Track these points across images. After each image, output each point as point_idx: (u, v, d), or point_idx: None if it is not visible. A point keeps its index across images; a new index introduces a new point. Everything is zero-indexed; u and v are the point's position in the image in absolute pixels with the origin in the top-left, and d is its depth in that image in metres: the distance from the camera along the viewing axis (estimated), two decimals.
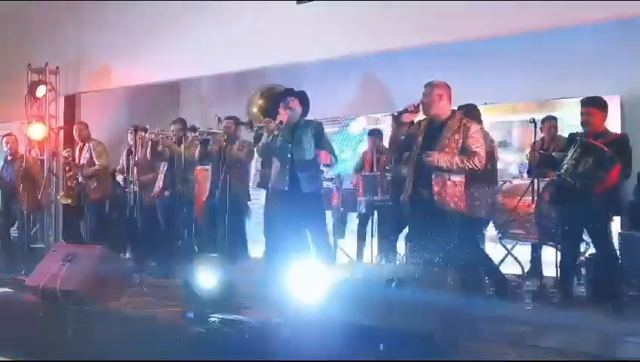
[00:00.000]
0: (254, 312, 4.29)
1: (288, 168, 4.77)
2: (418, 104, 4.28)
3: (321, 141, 4.99)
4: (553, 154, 4.82)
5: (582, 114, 4.58)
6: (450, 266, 3.81)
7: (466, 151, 4.14)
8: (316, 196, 4.95)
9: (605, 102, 4.63)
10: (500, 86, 6.99)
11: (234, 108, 8.53)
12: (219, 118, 6.28)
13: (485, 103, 7.08)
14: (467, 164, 4.12)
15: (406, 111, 4.28)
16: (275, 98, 5.02)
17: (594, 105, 4.57)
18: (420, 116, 4.42)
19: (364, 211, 6.50)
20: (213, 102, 9.42)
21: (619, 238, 5.00)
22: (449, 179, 4.17)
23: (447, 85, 4.33)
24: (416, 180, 4.25)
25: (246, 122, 5.86)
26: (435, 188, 4.14)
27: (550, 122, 5.85)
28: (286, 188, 4.75)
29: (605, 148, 4.32)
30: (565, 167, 4.44)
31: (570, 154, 4.44)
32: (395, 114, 4.33)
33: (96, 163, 6.81)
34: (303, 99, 5.05)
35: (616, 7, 4.66)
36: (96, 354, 3.99)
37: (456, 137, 4.18)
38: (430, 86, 4.31)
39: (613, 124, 6.14)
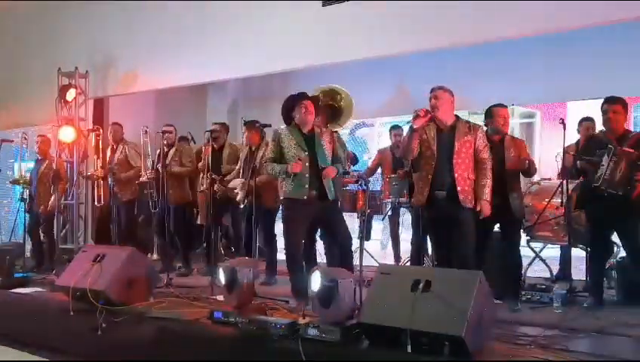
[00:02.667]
0: (281, 313, 4.32)
1: (308, 176, 4.73)
2: (427, 109, 4.36)
3: (338, 145, 5.00)
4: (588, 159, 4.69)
5: (605, 112, 4.50)
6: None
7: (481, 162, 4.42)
8: (337, 202, 5.00)
9: (626, 102, 4.58)
10: (526, 87, 6.93)
11: (260, 111, 8.62)
12: (244, 121, 6.31)
13: (512, 104, 7.06)
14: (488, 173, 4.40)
15: (417, 116, 4.30)
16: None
17: (619, 103, 4.50)
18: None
19: (390, 213, 6.49)
20: (240, 104, 9.51)
21: None
22: (468, 178, 4.36)
23: (451, 90, 4.47)
24: (433, 183, 4.36)
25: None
26: (458, 188, 4.29)
27: (588, 123, 5.72)
28: (305, 197, 4.72)
29: (632, 151, 4.28)
30: (601, 177, 4.36)
31: (605, 164, 4.35)
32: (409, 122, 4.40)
33: (134, 165, 6.92)
34: (317, 103, 5.01)
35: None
36: (125, 354, 4.05)
37: (468, 138, 4.39)
38: (440, 90, 4.40)
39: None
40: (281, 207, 5.55)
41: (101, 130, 7.43)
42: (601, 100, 4.64)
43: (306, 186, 4.72)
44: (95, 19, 7.99)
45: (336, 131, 5.27)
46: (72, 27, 8.23)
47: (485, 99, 6.21)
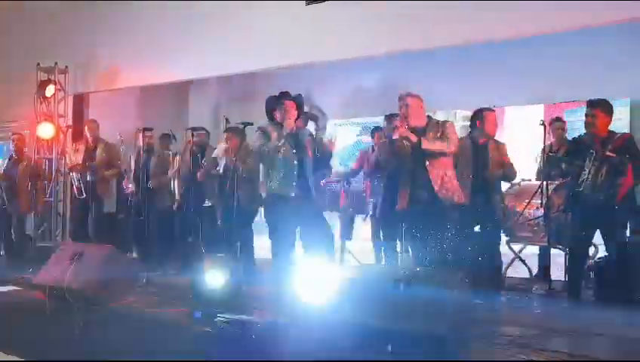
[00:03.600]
0: (261, 312, 4.30)
1: (296, 174, 4.72)
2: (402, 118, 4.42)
3: (321, 145, 4.97)
4: (561, 159, 4.77)
5: (586, 115, 4.54)
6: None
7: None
8: (315, 200, 5.01)
9: (612, 106, 4.58)
10: (509, 88, 7.00)
11: (242, 110, 8.58)
12: (226, 120, 6.28)
13: (494, 106, 7.10)
14: (443, 145, 4.37)
15: (395, 127, 4.43)
16: (272, 102, 4.94)
17: (599, 107, 4.51)
18: None
19: (371, 213, 6.49)
20: (222, 103, 9.45)
21: (627, 242, 4.96)
22: (445, 175, 4.38)
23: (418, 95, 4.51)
24: (413, 186, 4.40)
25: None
26: (435, 188, 4.33)
27: (557, 124, 5.79)
28: (292, 194, 4.72)
29: (611, 155, 4.32)
30: (584, 182, 4.40)
31: (587, 169, 4.40)
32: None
33: (115, 165, 6.88)
34: (300, 103, 4.99)
35: (627, 9, 4.66)
36: (103, 354, 3.99)
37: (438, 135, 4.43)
38: (410, 97, 4.43)
39: (622, 126, 6.17)
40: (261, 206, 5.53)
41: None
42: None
43: (293, 184, 4.71)
44: (76, 13, 7.89)
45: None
46: (52, 21, 8.11)
47: (467, 100, 6.30)
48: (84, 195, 6.86)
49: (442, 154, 4.39)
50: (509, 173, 5.06)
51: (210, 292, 4.26)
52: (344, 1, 5.96)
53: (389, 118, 5.55)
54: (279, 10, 6.36)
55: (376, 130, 6.84)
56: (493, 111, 5.04)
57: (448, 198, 4.39)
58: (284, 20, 6.34)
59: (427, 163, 4.37)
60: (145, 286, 5.31)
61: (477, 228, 5.02)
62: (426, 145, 4.32)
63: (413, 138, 4.32)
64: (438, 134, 4.42)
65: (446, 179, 4.40)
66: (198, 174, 6.15)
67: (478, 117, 4.97)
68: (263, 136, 4.84)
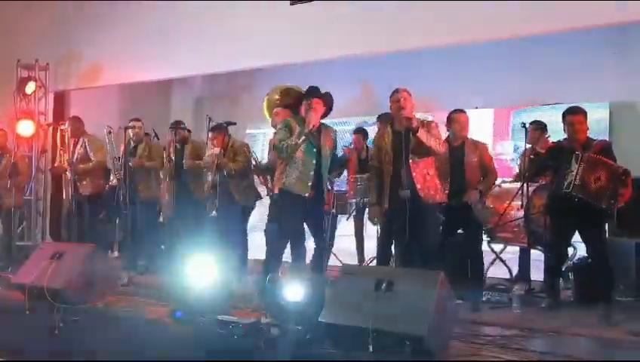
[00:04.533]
0: (244, 312, 4.29)
1: (313, 174, 4.62)
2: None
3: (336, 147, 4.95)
4: (544, 162, 4.83)
5: (570, 123, 4.60)
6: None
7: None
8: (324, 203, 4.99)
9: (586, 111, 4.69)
10: (491, 90, 7.05)
11: (225, 108, 8.57)
12: (209, 119, 6.24)
13: (476, 107, 7.17)
14: (436, 141, 4.36)
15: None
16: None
17: (582, 114, 4.62)
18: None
19: (355, 213, 6.51)
20: (205, 101, 9.42)
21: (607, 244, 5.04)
22: (428, 174, 4.40)
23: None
24: (394, 185, 4.39)
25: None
26: (418, 186, 4.34)
27: (534, 125, 5.82)
28: (306, 194, 4.60)
29: (616, 165, 4.37)
30: (572, 183, 4.42)
31: (574, 170, 4.44)
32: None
33: (93, 159, 6.67)
34: (328, 100, 4.81)
35: (606, 14, 4.76)
36: (84, 354, 3.97)
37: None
38: (405, 91, 4.42)
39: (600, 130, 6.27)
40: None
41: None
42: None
43: (309, 184, 4.61)
44: (57, 9, 7.81)
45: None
46: (33, 17, 8.01)
47: (451, 101, 6.34)
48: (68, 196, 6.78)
49: (430, 152, 4.37)
50: (488, 175, 5.10)
51: (194, 291, 4.24)
52: (328, 1, 5.98)
53: (382, 116, 5.58)
54: (263, 10, 6.36)
55: (358, 131, 6.89)
56: (463, 112, 5.11)
57: (430, 197, 4.41)
58: (268, 20, 6.34)
59: (410, 161, 4.37)
60: (126, 285, 5.27)
61: (458, 230, 5.09)
62: (422, 136, 4.25)
63: (415, 122, 4.24)
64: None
65: (428, 178, 4.42)
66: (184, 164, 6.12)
67: (449, 119, 5.05)
68: (285, 130, 4.67)
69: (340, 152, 5.82)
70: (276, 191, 4.86)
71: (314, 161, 4.63)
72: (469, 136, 5.17)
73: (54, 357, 4.01)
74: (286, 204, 4.70)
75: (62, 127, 6.95)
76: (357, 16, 5.81)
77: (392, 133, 4.50)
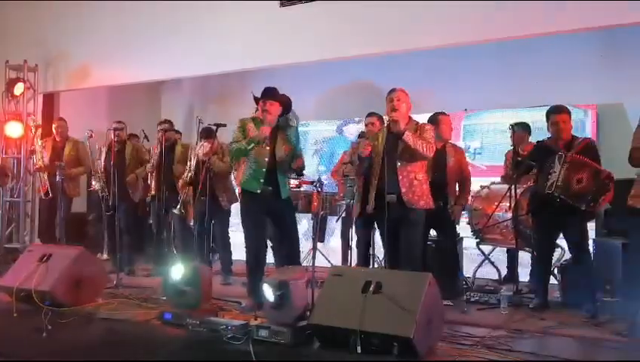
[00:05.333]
0: (232, 314, 4.29)
1: (265, 171, 4.69)
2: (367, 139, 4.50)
3: (298, 144, 4.95)
4: (527, 162, 4.86)
5: (554, 123, 4.64)
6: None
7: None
8: (290, 201, 5.00)
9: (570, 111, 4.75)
10: (480, 93, 7.09)
11: (216, 110, 8.55)
12: (199, 120, 6.23)
13: (465, 109, 7.22)
14: (423, 145, 4.27)
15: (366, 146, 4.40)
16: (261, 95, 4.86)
17: (566, 113, 4.66)
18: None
19: (344, 215, 6.52)
20: (195, 103, 9.40)
21: (593, 245, 5.09)
22: (416, 178, 4.36)
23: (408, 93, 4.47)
24: (380, 188, 4.35)
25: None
26: (403, 190, 4.31)
27: (516, 127, 5.83)
28: (258, 191, 4.69)
29: (601, 168, 4.40)
30: (554, 184, 4.46)
31: (557, 171, 4.47)
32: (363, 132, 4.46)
33: (83, 163, 6.77)
34: (283, 102, 4.87)
35: (592, 17, 4.81)
36: (72, 356, 3.95)
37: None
38: (401, 91, 4.42)
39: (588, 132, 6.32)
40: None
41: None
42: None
43: (261, 180, 4.67)
44: (46, 11, 7.76)
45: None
46: (22, 18, 7.96)
47: (440, 103, 6.37)
48: (51, 195, 6.73)
49: (416, 156, 4.32)
50: (464, 182, 5.23)
51: (182, 293, 4.24)
52: (318, 2, 6.00)
53: (370, 115, 5.61)
54: (253, 11, 6.36)
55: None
56: (447, 115, 5.20)
57: (414, 202, 4.33)
58: (258, 21, 6.34)
59: (398, 164, 4.35)
60: (115, 287, 5.25)
61: (433, 232, 5.19)
62: (408, 139, 4.22)
63: (401, 125, 4.25)
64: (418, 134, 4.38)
65: (416, 183, 4.36)
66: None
67: (433, 121, 5.05)
68: (239, 130, 4.77)
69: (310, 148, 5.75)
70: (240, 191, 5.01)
71: (266, 159, 4.70)
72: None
73: (42, 359, 4.00)
74: (246, 201, 4.84)
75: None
76: (348, 18, 5.82)
77: (386, 133, 4.47)
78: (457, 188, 5.25)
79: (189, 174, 5.89)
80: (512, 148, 5.28)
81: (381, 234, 4.54)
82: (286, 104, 4.85)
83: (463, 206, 5.25)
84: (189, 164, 5.98)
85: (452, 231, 5.18)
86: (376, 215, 4.42)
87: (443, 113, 5.22)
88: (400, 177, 4.33)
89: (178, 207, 5.97)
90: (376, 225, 4.82)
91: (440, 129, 5.03)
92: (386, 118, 4.68)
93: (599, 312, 4.41)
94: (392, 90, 4.44)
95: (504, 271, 5.80)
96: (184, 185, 5.99)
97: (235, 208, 6.18)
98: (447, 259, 5.05)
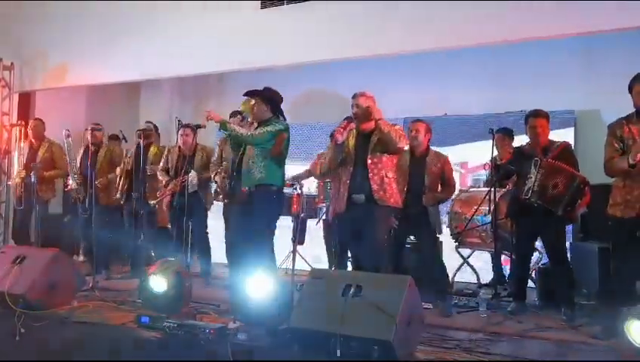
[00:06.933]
0: (210, 317, 4.25)
1: (231, 171, 4.75)
2: (348, 120, 4.35)
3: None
4: (507, 168, 4.89)
5: (532, 127, 4.67)
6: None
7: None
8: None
9: (548, 115, 4.77)
10: (460, 97, 7.14)
11: (194, 111, 8.48)
12: (179, 121, 6.19)
13: (445, 114, 7.25)
14: (397, 133, 4.23)
15: (339, 129, 4.31)
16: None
17: (544, 117, 4.69)
18: None
19: (324, 218, 6.51)
20: (174, 104, 9.32)
21: (570, 248, 5.14)
22: (386, 176, 4.32)
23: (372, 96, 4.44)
24: (351, 187, 4.33)
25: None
26: (374, 187, 4.27)
27: (500, 135, 5.81)
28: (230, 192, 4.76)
29: (576, 173, 4.44)
30: (530, 189, 4.48)
31: (533, 177, 4.50)
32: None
33: (57, 166, 6.65)
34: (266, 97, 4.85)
35: (572, 24, 4.87)
36: (46, 360, 3.88)
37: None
38: (362, 96, 4.38)
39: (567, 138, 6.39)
40: None
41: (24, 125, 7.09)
42: None
43: (227, 181, 4.77)
44: (23, 8, 7.64)
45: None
46: None
47: (419, 108, 6.40)
48: (22, 206, 6.62)
49: (390, 147, 4.27)
50: (445, 187, 5.11)
51: (159, 296, 4.19)
52: (299, 4, 5.99)
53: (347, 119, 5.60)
54: (233, 13, 6.32)
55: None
56: (420, 121, 5.13)
57: (385, 200, 4.31)
58: (238, 23, 6.31)
59: (369, 161, 4.31)
60: (90, 289, 5.17)
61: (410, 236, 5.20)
62: (383, 125, 4.19)
63: (376, 114, 4.23)
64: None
65: (386, 181, 4.31)
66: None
67: (412, 128, 5.07)
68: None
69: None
70: None
71: (235, 160, 4.72)
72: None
73: None
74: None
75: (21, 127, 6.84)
76: (329, 20, 5.82)
77: (356, 133, 4.45)
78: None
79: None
80: (496, 153, 5.33)
81: (349, 235, 4.48)
82: (271, 99, 4.83)
83: (437, 198, 5.05)
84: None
85: (430, 234, 5.06)
86: (349, 214, 4.37)
87: (418, 120, 5.17)
88: (370, 174, 4.29)
89: (153, 202, 5.95)
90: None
91: (419, 136, 5.01)
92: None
93: (576, 315, 4.46)
94: (354, 95, 4.42)
95: (482, 275, 5.83)
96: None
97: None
98: (426, 262, 5.04)
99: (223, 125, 4.56)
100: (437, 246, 5.30)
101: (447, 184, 5.11)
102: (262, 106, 4.81)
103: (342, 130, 4.29)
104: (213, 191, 6.13)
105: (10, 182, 7.14)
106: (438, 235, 5.23)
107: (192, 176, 5.79)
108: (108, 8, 7.03)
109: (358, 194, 4.31)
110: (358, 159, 4.36)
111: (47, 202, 6.73)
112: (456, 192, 5.66)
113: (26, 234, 6.72)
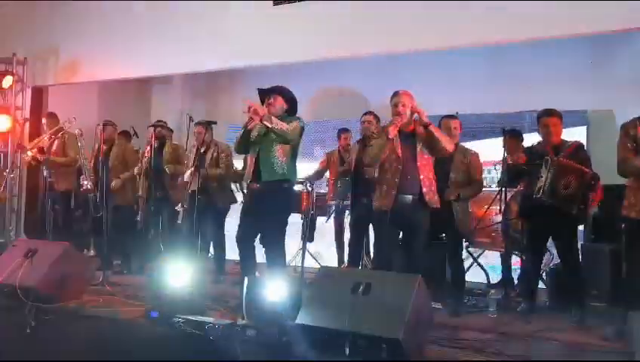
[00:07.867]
0: (219, 313, 4.26)
1: (254, 164, 4.68)
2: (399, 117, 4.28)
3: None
4: (520, 168, 4.84)
5: (544, 125, 4.62)
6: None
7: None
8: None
9: (561, 114, 4.71)
10: (471, 96, 7.11)
11: (206, 107, 8.50)
12: (190, 118, 6.20)
13: (457, 113, 7.21)
14: (447, 137, 4.34)
15: (393, 124, 4.22)
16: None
17: (556, 116, 4.63)
18: None
19: (334, 216, 6.51)
20: (185, 100, 9.35)
21: (581, 249, 5.10)
22: (428, 178, 4.32)
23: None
24: (400, 186, 4.28)
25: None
26: (424, 190, 4.27)
27: (510, 133, 5.81)
28: (249, 182, 4.72)
29: (585, 170, 4.38)
30: (541, 189, 4.43)
31: (544, 176, 4.48)
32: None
33: (69, 154, 6.60)
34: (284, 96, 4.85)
35: (582, 24, 4.84)
36: (55, 354, 3.90)
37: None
38: (405, 95, 4.33)
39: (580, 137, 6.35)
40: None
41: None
42: None
43: (250, 174, 4.70)
44: (37, 4, 7.69)
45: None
46: (11, 10, 7.88)
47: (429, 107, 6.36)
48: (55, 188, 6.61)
49: (437, 151, 4.29)
50: (473, 184, 5.01)
51: (169, 292, 4.20)
52: (311, 2, 5.98)
53: (367, 114, 5.59)
54: (246, 10, 6.33)
55: (343, 131, 6.86)
56: (455, 118, 5.06)
57: (433, 202, 4.31)
58: (250, 20, 6.32)
59: (418, 163, 4.29)
60: (101, 284, 5.20)
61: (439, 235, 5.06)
62: (434, 130, 4.20)
63: (425, 118, 4.20)
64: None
65: (433, 182, 4.34)
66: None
67: (441, 124, 5.01)
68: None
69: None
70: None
71: (255, 155, 4.68)
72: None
73: (26, 356, 3.95)
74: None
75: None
76: (341, 17, 5.81)
77: (398, 133, 4.33)
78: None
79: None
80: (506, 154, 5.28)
81: (390, 234, 4.44)
82: (292, 99, 4.85)
83: (461, 194, 4.90)
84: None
85: (454, 234, 4.95)
86: (395, 213, 4.29)
87: (451, 116, 5.09)
88: (422, 176, 4.29)
89: (181, 203, 5.98)
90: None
91: (448, 132, 4.87)
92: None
93: (587, 317, 4.42)
94: (395, 94, 4.34)
95: (492, 275, 5.81)
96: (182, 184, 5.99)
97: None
98: (449, 262, 4.98)
99: (267, 118, 4.51)
100: (462, 246, 5.17)
101: (474, 181, 4.99)
102: (283, 105, 4.80)
103: (395, 127, 4.21)
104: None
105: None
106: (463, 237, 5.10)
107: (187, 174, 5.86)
108: (119, 5, 7.06)
109: (407, 195, 4.28)
110: (407, 159, 4.30)
111: (65, 193, 6.71)
112: None
113: (39, 227, 6.75)
